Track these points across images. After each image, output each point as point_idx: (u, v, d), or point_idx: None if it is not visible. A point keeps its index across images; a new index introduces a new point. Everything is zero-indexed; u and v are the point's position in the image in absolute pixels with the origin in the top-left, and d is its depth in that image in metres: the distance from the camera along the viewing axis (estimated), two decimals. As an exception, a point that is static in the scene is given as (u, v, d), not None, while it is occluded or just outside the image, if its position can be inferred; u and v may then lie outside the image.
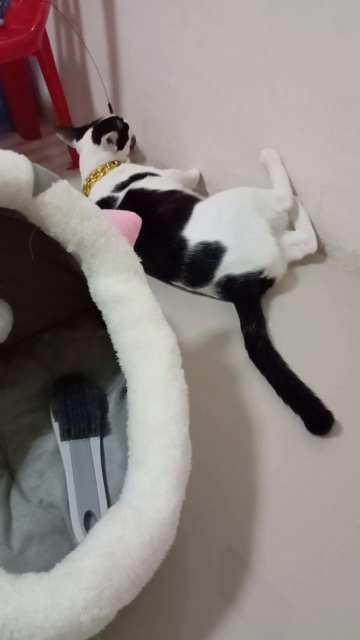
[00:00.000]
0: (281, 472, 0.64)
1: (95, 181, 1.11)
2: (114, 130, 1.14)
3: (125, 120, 1.21)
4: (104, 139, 1.13)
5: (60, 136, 1.23)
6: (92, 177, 1.13)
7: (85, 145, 1.17)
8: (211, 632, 0.49)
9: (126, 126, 1.20)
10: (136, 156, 1.29)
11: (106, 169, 1.12)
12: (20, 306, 0.71)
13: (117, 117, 1.21)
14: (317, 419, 0.68)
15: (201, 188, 1.25)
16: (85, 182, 1.14)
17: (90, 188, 1.11)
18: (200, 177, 1.24)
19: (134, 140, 1.24)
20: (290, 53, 0.88)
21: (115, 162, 1.14)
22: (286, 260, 0.94)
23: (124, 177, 1.07)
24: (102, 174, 1.12)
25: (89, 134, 1.17)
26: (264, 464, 0.64)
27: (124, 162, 1.18)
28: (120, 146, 1.17)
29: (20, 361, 0.73)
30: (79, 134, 1.20)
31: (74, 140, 1.21)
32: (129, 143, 1.21)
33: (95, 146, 1.15)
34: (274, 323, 0.86)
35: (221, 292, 0.89)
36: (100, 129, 1.16)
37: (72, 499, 0.55)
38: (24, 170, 0.50)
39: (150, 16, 1.13)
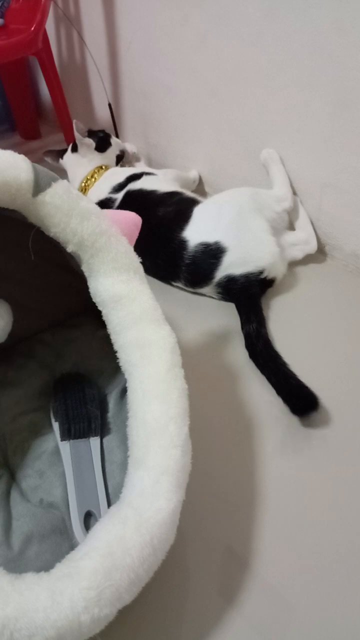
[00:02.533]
0: (281, 472, 0.64)
1: (89, 188, 1.10)
2: (76, 120, 1.12)
3: (108, 133, 1.21)
4: (75, 133, 1.11)
5: (47, 159, 1.22)
6: (83, 184, 1.12)
7: (67, 159, 1.17)
8: (211, 632, 0.49)
9: (107, 134, 1.19)
10: (130, 159, 1.29)
11: (95, 174, 1.11)
12: (20, 306, 0.71)
13: (94, 130, 1.19)
14: (302, 399, 0.69)
15: (200, 188, 1.25)
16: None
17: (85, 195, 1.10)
18: (200, 177, 1.24)
19: (123, 153, 1.22)
20: (290, 53, 0.88)
21: (103, 167, 1.13)
22: (286, 260, 0.94)
23: (121, 178, 1.07)
24: (93, 180, 1.11)
25: (69, 148, 1.18)
26: (264, 464, 0.64)
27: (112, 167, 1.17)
28: (101, 149, 1.16)
29: (20, 361, 0.73)
30: (63, 152, 1.20)
31: (60, 160, 1.20)
32: (113, 151, 1.18)
33: (76, 155, 1.15)
34: (274, 323, 0.86)
35: (221, 292, 0.89)
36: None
37: (72, 499, 0.55)
38: (24, 170, 0.50)
39: (150, 16, 1.13)
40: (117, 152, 1.20)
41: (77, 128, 1.11)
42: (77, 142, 1.13)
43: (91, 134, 1.16)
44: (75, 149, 1.15)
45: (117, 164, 1.20)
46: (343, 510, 0.59)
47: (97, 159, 1.15)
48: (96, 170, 1.12)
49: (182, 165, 1.26)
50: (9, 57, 1.22)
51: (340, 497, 0.60)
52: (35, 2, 1.17)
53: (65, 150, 1.20)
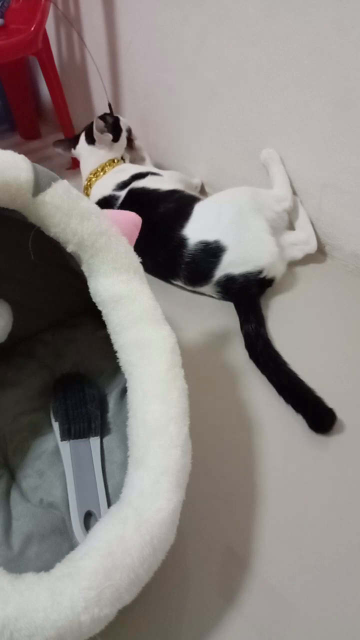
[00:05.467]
0: (281, 472, 0.64)
1: (96, 180, 1.12)
2: (98, 118, 1.14)
3: (117, 115, 1.21)
4: (95, 130, 1.13)
5: (59, 150, 1.24)
6: (92, 176, 1.13)
7: (82, 149, 1.18)
8: (211, 632, 0.49)
9: (116, 118, 1.20)
10: (135, 155, 1.29)
11: (106, 167, 1.13)
12: (20, 306, 0.71)
13: (104, 114, 1.20)
14: (319, 417, 0.68)
15: (201, 188, 1.25)
16: (85, 182, 1.14)
17: (90, 188, 1.12)
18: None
19: (129, 131, 1.23)
20: (291, 53, 0.88)
21: (115, 161, 1.15)
22: (286, 260, 0.94)
23: (125, 177, 1.07)
24: (102, 173, 1.12)
25: (82, 138, 1.18)
26: (264, 464, 0.64)
27: (124, 160, 1.18)
28: (116, 138, 1.17)
29: (20, 361, 0.73)
30: (75, 142, 1.21)
31: (72, 150, 1.21)
32: (124, 135, 1.20)
33: (91, 147, 1.16)
34: (273, 323, 0.86)
35: (221, 291, 0.89)
36: (91, 128, 1.15)
37: (72, 499, 0.55)
38: (24, 170, 0.50)
39: (150, 16, 1.13)
40: (126, 134, 1.21)
41: (97, 126, 1.13)
42: (94, 136, 1.15)
43: (101, 118, 1.17)
44: (91, 141, 1.16)
45: (128, 144, 1.22)
46: (343, 511, 0.59)
47: (112, 151, 1.17)
48: (107, 164, 1.14)
49: (182, 165, 1.26)
50: (9, 57, 1.22)
51: (341, 497, 0.60)
52: (35, 2, 1.17)
53: (75, 139, 1.20)
